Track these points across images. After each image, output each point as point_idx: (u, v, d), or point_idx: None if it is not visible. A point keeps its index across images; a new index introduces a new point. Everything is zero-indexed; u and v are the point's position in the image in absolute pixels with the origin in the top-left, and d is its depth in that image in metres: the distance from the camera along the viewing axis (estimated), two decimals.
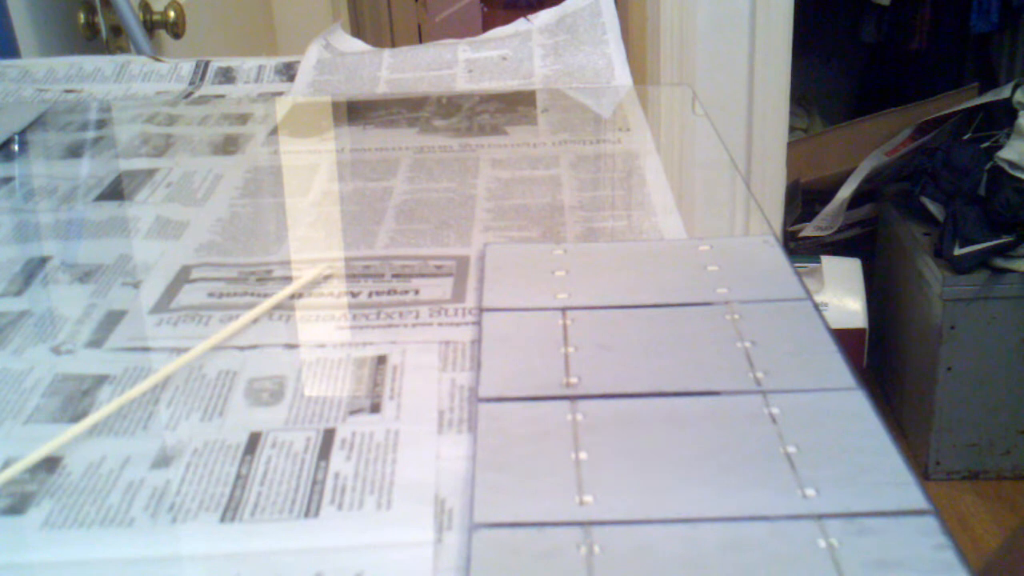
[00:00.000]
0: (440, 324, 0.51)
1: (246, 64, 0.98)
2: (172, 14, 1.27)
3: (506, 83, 0.91)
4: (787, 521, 0.36)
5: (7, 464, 0.41)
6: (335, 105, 0.90)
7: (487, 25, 1.83)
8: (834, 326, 0.48)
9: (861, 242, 2.18)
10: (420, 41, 2.63)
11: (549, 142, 0.77)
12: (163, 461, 0.41)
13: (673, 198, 0.66)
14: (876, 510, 0.36)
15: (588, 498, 0.37)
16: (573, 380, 0.45)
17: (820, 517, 0.36)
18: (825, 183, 2.20)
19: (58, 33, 1.21)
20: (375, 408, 0.44)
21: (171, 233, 0.63)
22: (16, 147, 0.81)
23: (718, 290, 0.52)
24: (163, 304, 0.54)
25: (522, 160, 0.73)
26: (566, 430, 0.41)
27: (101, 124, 0.86)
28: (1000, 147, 1.84)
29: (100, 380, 0.47)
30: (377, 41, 2.27)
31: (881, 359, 2.12)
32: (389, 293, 0.54)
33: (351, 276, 0.57)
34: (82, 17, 1.22)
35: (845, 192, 2.13)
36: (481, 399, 0.44)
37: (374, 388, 0.46)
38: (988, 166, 1.84)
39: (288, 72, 0.97)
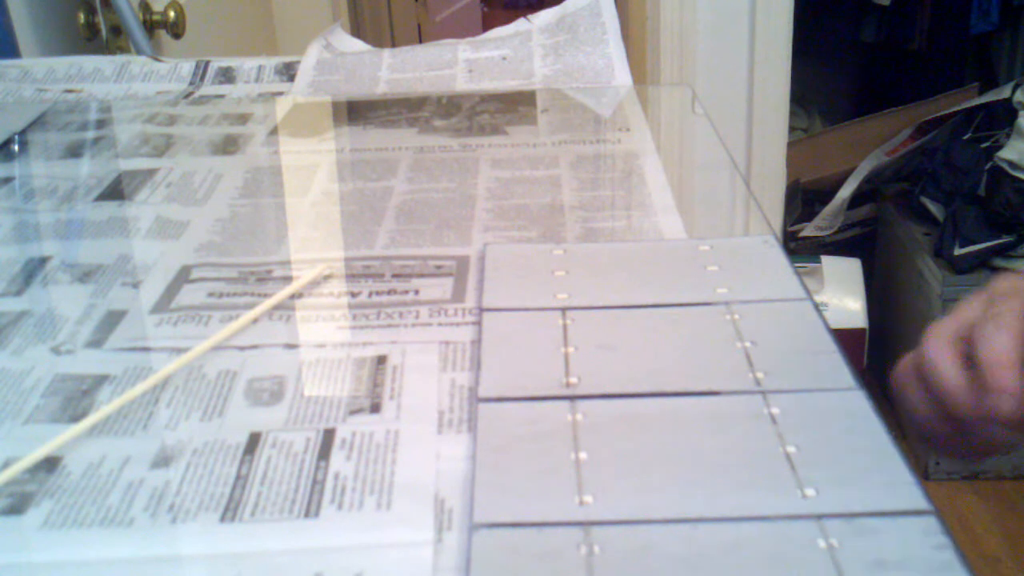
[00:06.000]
0: (440, 324, 0.51)
1: (246, 64, 0.98)
2: (172, 14, 1.27)
3: (506, 83, 0.91)
4: (787, 521, 0.36)
5: (7, 464, 0.41)
6: (335, 105, 0.90)
7: (487, 25, 1.83)
8: (834, 326, 0.48)
9: (861, 242, 2.18)
10: (420, 41, 2.63)
11: (549, 142, 0.77)
12: (163, 461, 0.41)
13: (673, 198, 0.66)
14: (876, 510, 0.36)
15: (588, 498, 0.37)
16: (573, 380, 0.45)
17: (820, 517, 0.36)
18: (825, 183, 2.20)
19: (58, 33, 1.21)
20: (375, 408, 0.44)
21: (171, 233, 0.63)
22: (16, 147, 0.81)
23: (718, 290, 0.52)
24: (163, 304, 0.54)
25: (522, 160, 0.73)
26: (566, 430, 0.41)
27: (101, 124, 0.86)
28: (1000, 147, 1.84)
29: (100, 380, 0.47)
30: (377, 41, 2.26)
31: (881, 359, 2.11)
32: (389, 293, 0.54)
33: (351, 276, 0.57)
34: (82, 17, 1.22)
35: (845, 192, 2.13)
36: (481, 399, 0.44)
37: (374, 388, 0.46)
38: (988, 166, 1.84)
39: (288, 72, 0.97)
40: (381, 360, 0.48)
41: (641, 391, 0.44)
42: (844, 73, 2.64)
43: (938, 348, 0.44)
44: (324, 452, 0.41)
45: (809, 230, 2.15)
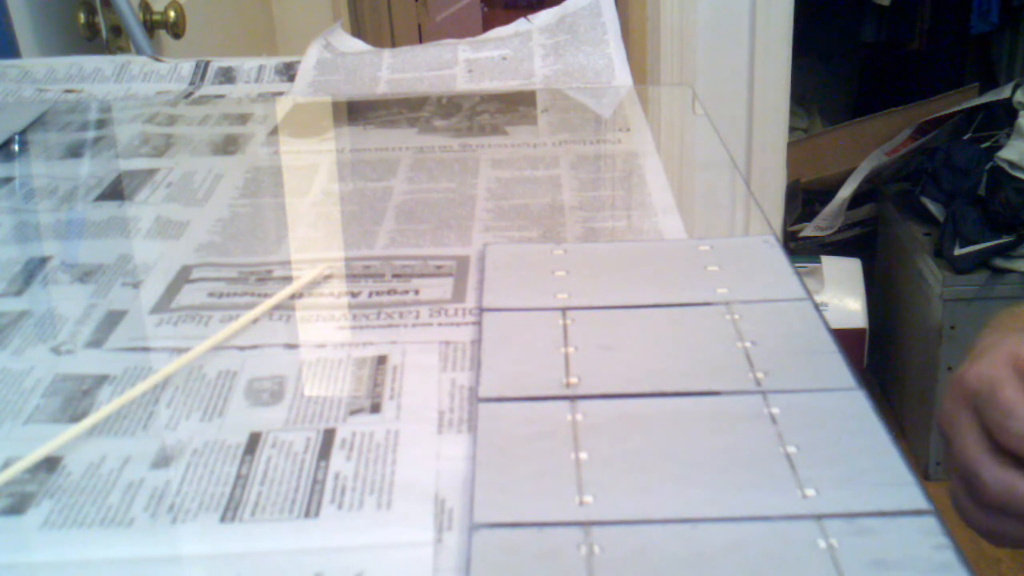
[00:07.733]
0: (440, 324, 0.51)
1: (246, 64, 0.98)
2: (172, 14, 1.27)
3: (506, 83, 0.91)
4: (787, 521, 0.36)
5: (7, 464, 0.41)
6: (335, 105, 0.90)
7: (487, 25, 1.83)
8: (834, 326, 0.48)
9: (861, 242, 2.18)
10: (420, 41, 2.63)
11: (549, 142, 0.77)
12: (163, 461, 0.41)
13: (673, 198, 0.66)
14: (876, 510, 0.36)
15: (588, 498, 0.37)
16: (573, 380, 0.45)
17: (820, 517, 0.36)
18: (825, 183, 2.20)
19: (58, 33, 1.21)
20: (375, 408, 0.44)
21: (171, 233, 0.63)
22: (16, 147, 0.81)
23: (718, 290, 0.52)
24: (163, 304, 0.54)
25: (522, 160, 0.73)
26: (566, 430, 0.41)
27: (101, 124, 0.86)
28: (1000, 147, 1.84)
29: (100, 380, 0.47)
30: (377, 41, 2.26)
31: (881, 359, 2.12)
32: (389, 293, 0.54)
33: (351, 276, 0.57)
34: (82, 17, 1.22)
35: (845, 192, 2.13)
36: (481, 399, 0.44)
37: (374, 388, 0.46)
38: (988, 166, 1.84)
39: (288, 72, 0.97)
40: (381, 360, 0.48)
41: (641, 391, 0.44)
42: (844, 73, 2.64)
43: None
44: (324, 452, 0.41)
45: (809, 230, 2.15)
